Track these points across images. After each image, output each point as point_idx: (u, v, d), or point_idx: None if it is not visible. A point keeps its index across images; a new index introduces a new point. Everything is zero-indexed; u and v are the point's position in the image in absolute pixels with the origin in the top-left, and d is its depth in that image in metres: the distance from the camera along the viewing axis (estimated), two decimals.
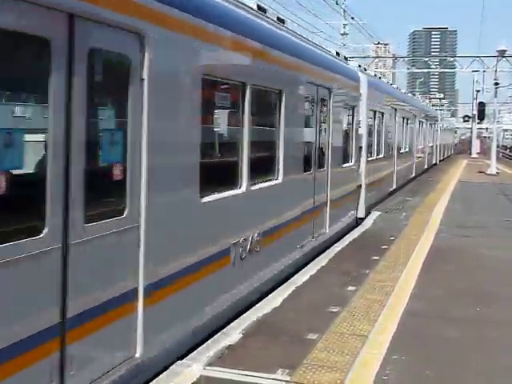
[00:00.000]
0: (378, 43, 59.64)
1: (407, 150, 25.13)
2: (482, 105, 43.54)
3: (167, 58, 5.30)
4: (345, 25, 47.89)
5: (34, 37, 3.77)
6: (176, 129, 5.59)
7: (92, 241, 4.31)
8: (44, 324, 3.87)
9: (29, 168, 4.18)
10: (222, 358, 5.69)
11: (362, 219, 14.73)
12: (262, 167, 8.22)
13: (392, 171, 20.99)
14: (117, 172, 4.70)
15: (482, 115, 44.50)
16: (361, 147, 14.68)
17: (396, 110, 20.95)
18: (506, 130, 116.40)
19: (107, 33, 4.45)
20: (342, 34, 47.82)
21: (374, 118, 17.02)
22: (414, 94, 51.58)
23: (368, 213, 15.54)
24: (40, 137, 4.13)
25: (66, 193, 4.05)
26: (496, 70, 36.24)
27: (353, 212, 14.27)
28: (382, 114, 18.11)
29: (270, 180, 8.33)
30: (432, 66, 50.93)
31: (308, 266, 9.59)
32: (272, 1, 33.14)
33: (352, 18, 46.97)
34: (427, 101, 67.16)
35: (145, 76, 4.84)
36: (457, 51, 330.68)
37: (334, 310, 7.25)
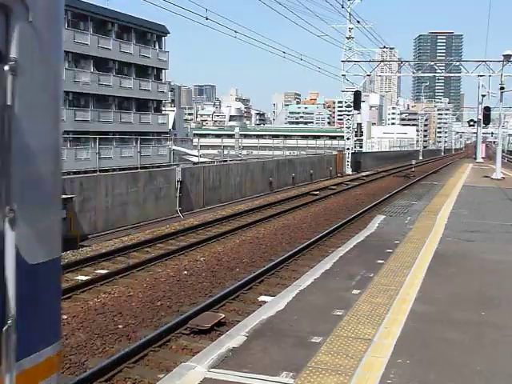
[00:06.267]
0: (384, 47, 59.63)
1: None
2: (487, 109, 43.50)
3: None
4: (350, 29, 47.95)
5: None
6: None
7: None
8: None
9: None
10: (225, 361, 5.69)
11: None
12: None
13: None
14: None
15: (487, 120, 44.44)
16: None
17: None
18: (511, 135, 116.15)
19: None
20: (347, 38, 47.87)
21: None
22: (419, 98, 51.57)
23: None
24: None
25: None
26: (502, 75, 36.16)
27: None
28: None
29: None
30: (437, 71, 50.87)
31: (312, 269, 9.59)
32: (279, 5, 33.27)
33: (358, 22, 47.04)
34: None
35: None
36: (462, 56, 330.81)
37: (339, 314, 7.24)
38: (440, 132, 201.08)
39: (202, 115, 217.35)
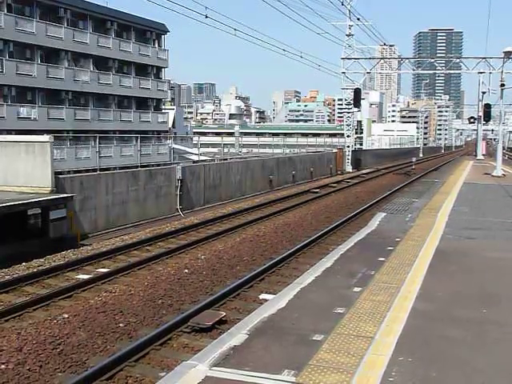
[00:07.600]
0: (384, 44, 59.53)
1: None
2: (487, 106, 43.39)
3: None
4: (350, 26, 47.89)
5: None
6: None
7: None
8: None
9: None
10: (227, 359, 5.69)
11: None
12: None
13: None
14: None
15: (487, 117, 44.34)
16: None
17: None
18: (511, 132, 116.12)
19: None
20: (347, 35, 47.80)
21: None
22: (419, 95, 51.62)
23: None
24: None
25: None
26: (502, 72, 36.10)
27: None
28: None
29: None
30: (438, 68, 50.77)
31: (313, 267, 9.58)
32: (278, 2, 33.31)
33: (358, 19, 46.96)
34: None
35: None
36: (462, 52, 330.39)
37: (340, 311, 7.24)
38: (440, 129, 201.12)
39: (201, 113, 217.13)
